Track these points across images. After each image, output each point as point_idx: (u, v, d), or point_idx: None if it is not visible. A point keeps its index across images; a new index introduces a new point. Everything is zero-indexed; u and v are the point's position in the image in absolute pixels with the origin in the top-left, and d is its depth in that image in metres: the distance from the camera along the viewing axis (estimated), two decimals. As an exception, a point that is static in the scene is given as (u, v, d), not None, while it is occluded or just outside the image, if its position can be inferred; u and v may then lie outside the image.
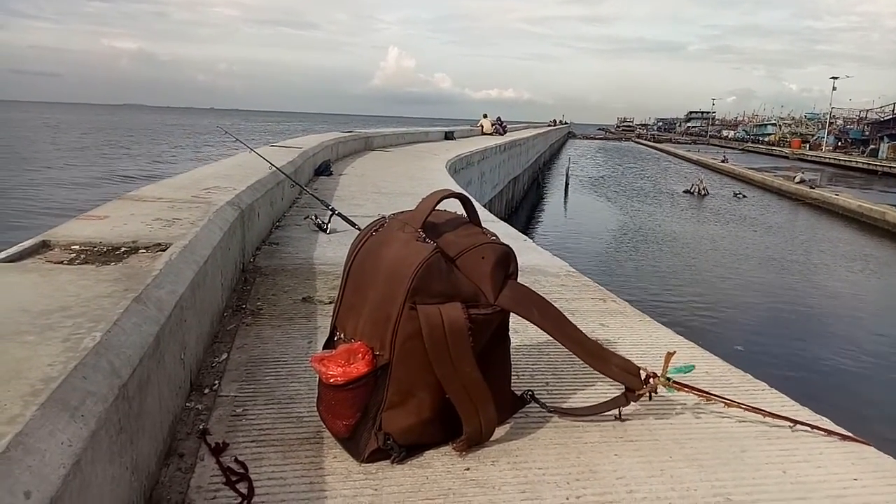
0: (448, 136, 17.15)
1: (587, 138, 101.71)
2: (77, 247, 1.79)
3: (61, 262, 1.64)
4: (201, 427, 1.43)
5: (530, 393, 1.54)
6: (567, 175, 28.60)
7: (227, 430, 1.42)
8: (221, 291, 2.25)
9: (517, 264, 1.49)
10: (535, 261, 3.35)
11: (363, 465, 1.31)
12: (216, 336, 2.02)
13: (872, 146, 52.20)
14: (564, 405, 1.61)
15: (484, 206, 7.77)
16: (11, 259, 1.61)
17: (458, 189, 6.04)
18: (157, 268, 1.57)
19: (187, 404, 1.54)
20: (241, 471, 1.25)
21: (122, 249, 1.81)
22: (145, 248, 1.83)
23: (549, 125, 56.43)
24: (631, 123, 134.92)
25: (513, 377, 1.57)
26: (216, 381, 1.68)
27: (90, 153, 33.74)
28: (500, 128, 22.57)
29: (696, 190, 27.04)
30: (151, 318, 1.32)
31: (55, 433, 0.85)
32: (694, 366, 1.57)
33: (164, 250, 1.79)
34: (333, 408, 1.35)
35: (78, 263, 1.64)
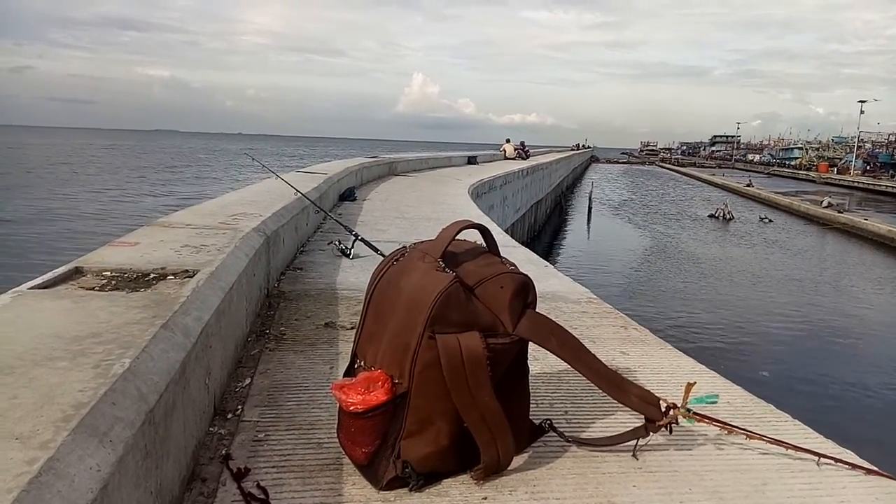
0: (471, 160, 17.26)
1: (610, 162, 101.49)
2: (108, 273, 1.85)
3: (93, 289, 1.69)
4: (224, 452, 1.45)
5: (549, 422, 1.55)
6: (590, 199, 28.53)
7: (248, 456, 1.44)
8: (246, 317, 2.30)
9: (536, 294, 1.50)
10: (556, 287, 3.35)
11: (381, 492, 1.32)
12: (240, 361, 2.06)
13: (902, 170, 51.23)
14: (583, 434, 1.61)
15: (506, 231, 7.79)
16: (46, 285, 1.67)
17: (479, 215, 6.07)
18: (184, 294, 1.62)
19: (211, 429, 1.57)
20: (262, 496, 1.27)
21: (152, 276, 1.86)
22: (173, 274, 1.88)
23: (572, 149, 56.48)
24: (655, 147, 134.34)
25: (532, 405, 1.58)
26: (239, 406, 1.71)
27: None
28: (522, 152, 22.65)
29: (721, 214, 26.76)
30: (178, 345, 1.36)
31: (84, 458, 0.88)
32: (718, 396, 1.56)
33: (191, 277, 1.84)
34: (353, 435, 1.37)
35: (109, 290, 1.69)
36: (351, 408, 1.32)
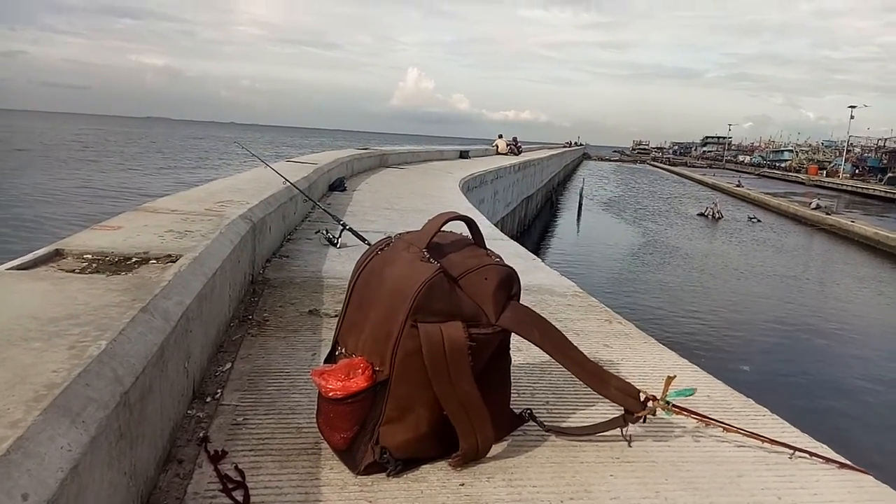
0: (463, 155, 17.25)
1: (602, 160, 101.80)
2: (89, 256, 1.83)
3: (73, 271, 1.68)
4: (201, 435, 1.45)
5: (529, 411, 1.55)
6: (581, 195, 28.61)
7: (226, 439, 1.44)
8: (229, 303, 2.28)
9: (520, 286, 1.50)
10: (542, 280, 3.36)
11: (359, 477, 1.32)
12: (221, 346, 2.05)
13: (890, 174, 51.77)
14: (564, 425, 1.62)
15: (496, 225, 7.80)
16: (25, 266, 1.65)
17: (469, 208, 6.07)
18: (165, 279, 1.61)
19: (189, 412, 1.56)
20: (239, 479, 1.27)
21: (134, 260, 1.85)
22: (156, 259, 1.86)
23: (565, 146, 56.57)
24: (646, 146, 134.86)
25: (513, 395, 1.58)
26: (219, 390, 1.70)
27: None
28: (514, 148, 22.66)
29: (711, 213, 26.93)
30: (157, 328, 1.35)
31: (55, 438, 0.87)
32: (695, 389, 1.57)
33: (174, 262, 1.83)
34: (332, 421, 1.36)
35: (89, 273, 1.68)
36: (330, 394, 1.32)
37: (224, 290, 2.16)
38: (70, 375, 1.01)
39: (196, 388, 1.68)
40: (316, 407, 1.42)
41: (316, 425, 1.42)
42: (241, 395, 1.68)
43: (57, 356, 1.07)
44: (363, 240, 3.38)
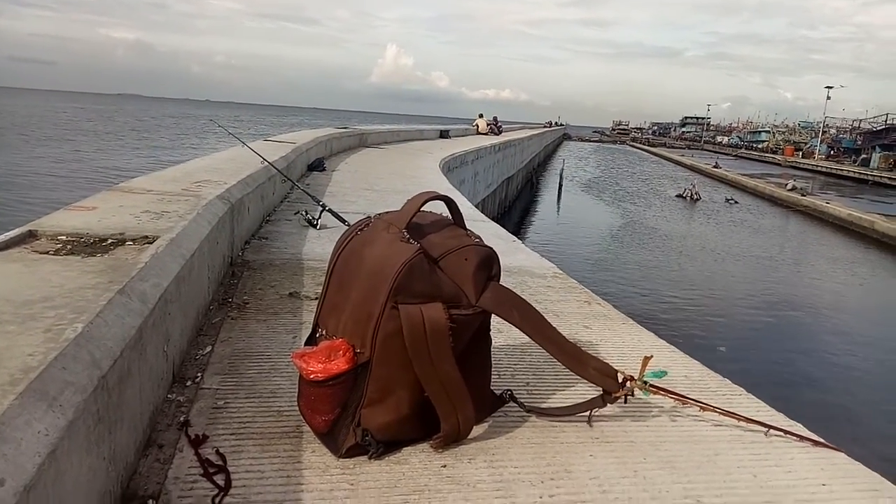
0: (443, 134, 17.16)
1: (582, 140, 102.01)
2: (64, 237, 1.80)
3: (47, 253, 1.64)
4: (182, 419, 1.44)
5: (509, 392, 1.57)
6: (561, 177, 28.68)
7: (207, 423, 1.43)
8: (208, 285, 2.26)
9: (500, 266, 1.51)
10: (522, 262, 3.37)
11: (341, 459, 1.33)
12: (201, 329, 2.03)
13: (864, 156, 52.63)
14: (544, 405, 1.63)
15: (476, 206, 7.80)
16: (-3, 248, 1.61)
17: (450, 188, 6.05)
18: (142, 260, 1.58)
19: (169, 396, 1.55)
20: (220, 463, 1.26)
21: (109, 241, 1.81)
22: (132, 240, 1.83)
23: (545, 126, 56.55)
24: (626, 127, 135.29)
25: (494, 376, 1.59)
26: (199, 374, 1.69)
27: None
28: (495, 128, 22.59)
29: (689, 195, 27.18)
30: (134, 311, 1.33)
31: (32, 422, 0.86)
32: (666, 371, 1.58)
33: (150, 243, 1.80)
34: (313, 403, 1.36)
35: (64, 254, 1.64)
36: (311, 376, 1.32)
37: (203, 272, 2.14)
38: (46, 359, 0.99)
39: (176, 371, 1.67)
40: (297, 390, 1.42)
41: (297, 408, 1.42)
42: (221, 379, 1.67)
43: (32, 339, 1.06)
44: (343, 221, 3.35)
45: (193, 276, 1.95)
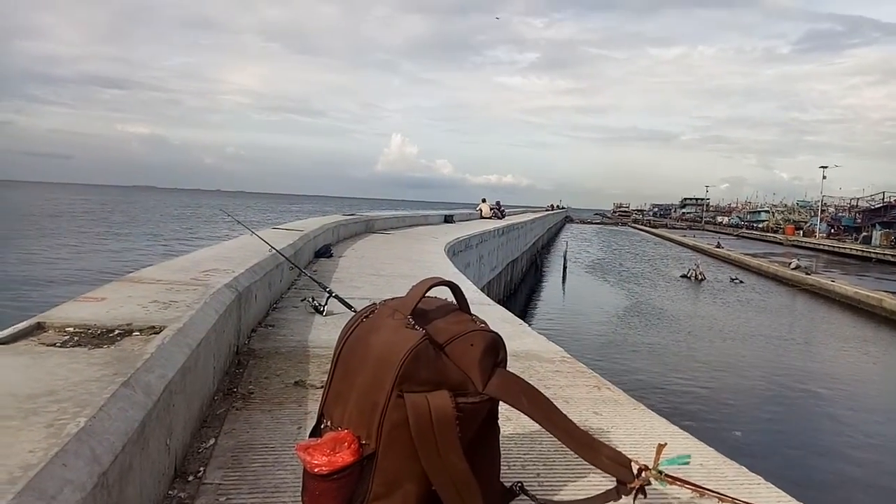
0: (447, 219, 17.43)
1: (584, 223, 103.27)
2: (71, 329, 1.80)
3: (54, 345, 1.65)
4: (182, 517, 1.39)
5: (520, 485, 1.51)
6: (565, 258, 28.85)
7: (208, 521, 1.39)
8: (213, 375, 2.24)
9: (506, 352, 1.49)
10: (530, 346, 3.34)
11: (346, 559, 1.27)
12: (205, 420, 2.00)
13: (865, 233, 52.98)
14: (556, 498, 1.58)
15: (482, 289, 7.81)
16: (5, 341, 1.62)
17: (455, 272, 6.08)
18: (148, 351, 1.58)
19: (170, 492, 1.51)
20: (220, 565, 1.21)
21: (117, 332, 1.82)
22: (139, 330, 1.84)
23: (547, 209, 57.45)
24: (627, 209, 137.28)
25: (503, 467, 1.55)
26: (201, 468, 1.65)
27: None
28: (498, 212, 22.96)
29: (693, 275, 27.21)
30: (138, 404, 1.32)
31: (30, 524, 0.84)
32: (689, 457, 1.54)
33: (157, 333, 1.80)
34: (317, 498, 1.32)
35: (71, 346, 1.65)
36: (316, 469, 1.29)
37: (208, 361, 2.13)
38: (47, 455, 0.98)
39: (178, 465, 1.63)
40: (301, 484, 1.38)
41: None
42: (224, 473, 1.62)
43: (34, 435, 1.04)
44: (349, 307, 3.35)
45: (199, 366, 1.94)
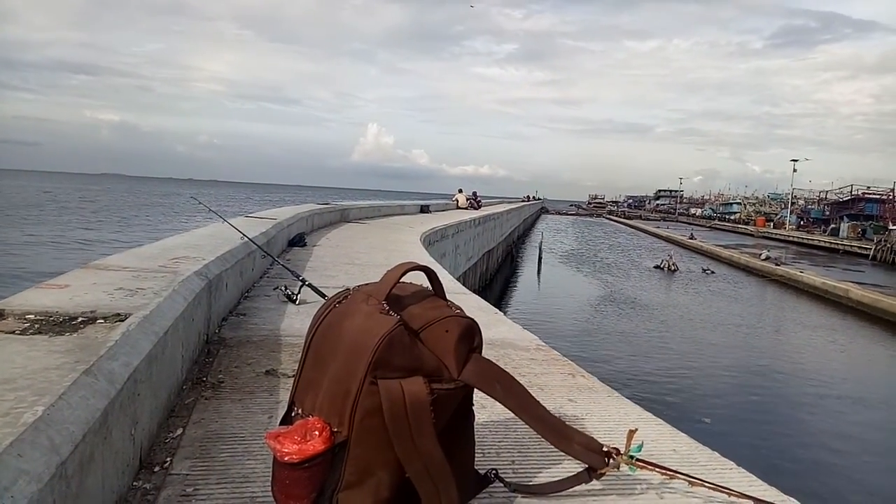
0: (424, 209, 17.38)
1: (560, 214, 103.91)
2: (32, 316, 1.74)
3: (13, 333, 1.59)
4: (147, 509, 1.35)
5: (494, 472, 1.50)
6: (540, 249, 28.99)
7: (174, 512, 1.35)
8: (182, 364, 2.19)
9: (482, 338, 1.48)
10: (505, 334, 3.34)
11: (317, 549, 1.24)
12: (173, 410, 1.95)
13: (833, 225, 54.19)
14: (530, 484, 1.57)
15: (458, 279, 7.79)
16: (-40, 328, 1.55)
17: (431, 262, 6.06)
18: (112, 339, 1.53)
19: (135, 483, 1.47)
20: (186, 557, 1.18)
21: (80, 320, 1.76)
22: (103, 318, 1.78)
23: (523, 200, 57.64)
24: (602, 200, 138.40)
25: (478, 455, 1.53)
26: (168, 459, 1.61)
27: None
28: (474, 202, 22.96)
29: (667, 266, 27.55)
30: (100, 392, 1.27)
31: (-20, 516, 0.80)
32: (642, 443, 1.52)
33: (122, 320, 1.75)
34: (288, 487, 1.29)
35: (31, 334, 1.59)
36: (286, 458, 1.25)
37: (176, 350, 2.07)
38: (1, 445, 0.93)
39: (143, 456, 1.58)
40: (271, 474, 1.35)
41: (271, 494, 1.34)
42: (191, 464, 1.58)
43: (-12, 425, 1.00)
44: (323, 296, 3.31)
45: (166, 354, 1.88)
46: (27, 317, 1.74)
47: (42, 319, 1.72)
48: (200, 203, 5.58)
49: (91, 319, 1.76)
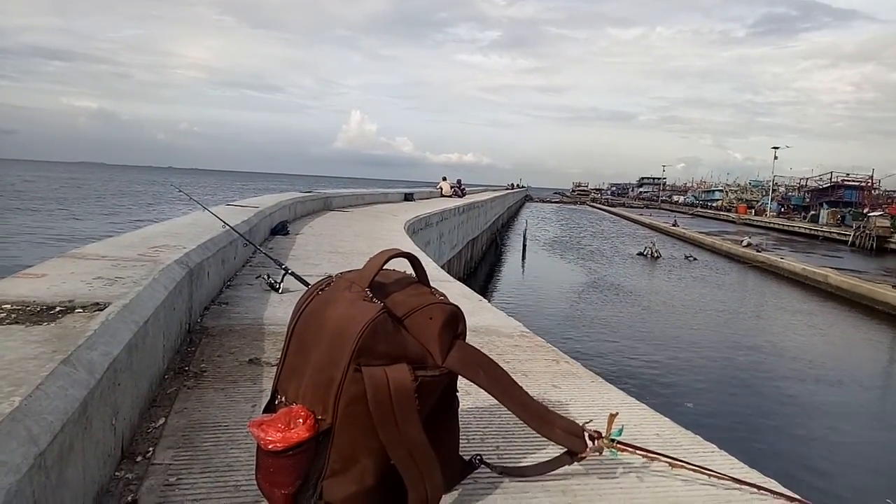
0: (408, 197, 17.33)
1: (544, 202, 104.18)
2: (8, 306, 1.71)
3: (-12, 322, 1.56)
4: (130, 498, 1.34)
5: (479, 457, 1.51)
6: (524, 237, 29.07)
7: (157, 501, 1.34)
8: (163, 353, 2.17)
9: (465, 325, 1.47)
10: (489, 321, 3.34)
11: (301, 537, 1.24)
12: (154, 400, 1.93)
13: (813, 212, 54.90)
14: (514, 467, 1.58)
15: (442, 267, 7.79)
16: (-67, 319, 1.52)
17: (415, 250, 6.06)
18: (91, 328, 1.51)
19: (116, 473, 1.45)
20: (169, 546, 1.17)
21: (57, 309, 1.73)
22: (82, 307, 1.75)
23: (508, 188, 57.71)
24: (586, 188, 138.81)
25: (462, 441, 1.54)
26: (150, 448, 1.59)
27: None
28: (458, 190, 22.94)
29: (650, 253, 27.78)
30: (80, 382, 1.25)
31: (-45, 508, 0.78)
32: (623, 426, 1.53)
33: (101, 310, 1.72)
34: (272, 475, 1.28)
35: (7, 323, 1.56)
36: (270, 446, 1.25)
37: (157, 339, 2.05)
38: (-24, 438, 0.91)
39: (125, 446, 1.57)
40: (255, 462, 1.34)
41: (255, 482, 1.34)
42: (174, 453, 1.57)
43: (-38, 417, 0.98)
44: (306, 284, 3.29)
45: (147, 343, 1.86)
46: (3, 306, 1.71)
47: (18, 309, 1.69)
48: (180, 190, 5.52)
49: (69, 309, 1.73)
